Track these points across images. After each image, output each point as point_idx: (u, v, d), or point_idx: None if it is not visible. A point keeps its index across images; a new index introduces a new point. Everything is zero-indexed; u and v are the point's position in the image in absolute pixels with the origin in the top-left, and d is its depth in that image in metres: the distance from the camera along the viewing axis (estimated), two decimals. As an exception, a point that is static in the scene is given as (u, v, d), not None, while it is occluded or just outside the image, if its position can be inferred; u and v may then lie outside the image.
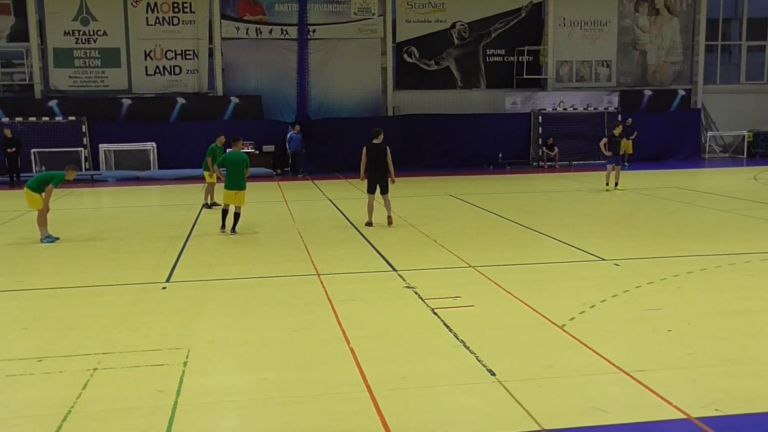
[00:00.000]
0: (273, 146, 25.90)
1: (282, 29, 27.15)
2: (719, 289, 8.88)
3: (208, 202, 16.67)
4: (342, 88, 27.77)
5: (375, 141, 13.27)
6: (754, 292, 8.69)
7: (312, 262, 10.60)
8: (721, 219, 14.06)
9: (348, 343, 6.90)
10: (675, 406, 5.36)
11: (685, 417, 5.20)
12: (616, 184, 18.90)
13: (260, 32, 27.08)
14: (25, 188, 12.74)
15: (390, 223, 13.55)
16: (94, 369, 6.27)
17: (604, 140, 18.72)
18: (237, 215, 13.18)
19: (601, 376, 6.06)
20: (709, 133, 29.64)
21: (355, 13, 27.53)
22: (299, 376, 6.13)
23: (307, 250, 11.55)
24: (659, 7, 29.47)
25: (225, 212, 13.35)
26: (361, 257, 10.99)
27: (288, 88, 27.45)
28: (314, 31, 27.29)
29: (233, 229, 13.12)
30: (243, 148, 13.27)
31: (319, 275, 9.73)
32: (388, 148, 13.36)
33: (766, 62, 30.50)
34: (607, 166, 18.99)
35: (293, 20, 27.13)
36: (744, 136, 29.18)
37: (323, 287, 9.06)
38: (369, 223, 13.59)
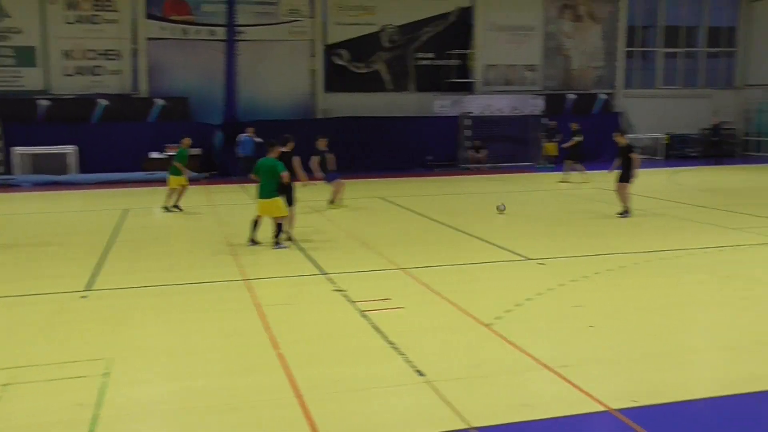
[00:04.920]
0: (200, 149, 25.37)
1: (210, 30, 26.70)
2: (638, 285, 9.21)
3: (169, 205, 16.26)
4: (271, 90, 27.50)
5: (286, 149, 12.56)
6: (669, 288, 9.06)
7: (240, 267, 10.45)
8: (639, 218, 14.56)
9: (277, 348, 6.84)
10: (596, 399, 5.53)
11: (605, 409, 5.38)
12: (332, 201, 16.65)
13: (187, 32, 26.58)
14: None
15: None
16: (7, 384, 6.00)
17: (316, 159, 15.93)
18: (278, 226, 11.86)
19: (527, 373, 6.19)
20: (629, 136, 30.66)
21: (284, 15, 27.33)
22: (228, 383, 6.03)
23: (235, 254, 11.38)
24: (582, 14, 30.37)
25: (255, 223, 12.00)
26: (290, 261, 10.90)
27: (216, 90, 26.95)
28: (243, 32, 26.95)
29: (276, 243, 11.83)
30: (277, 155, 11.95)
31: (247, 280, 9.61)
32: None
33: (680, 68, 31.79)
34: (332, 182, 16.58)
35: (221, 21, 26.69)
36: (661, 138, 30.32)
37: (252, 292, 8.95)
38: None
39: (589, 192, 19.14)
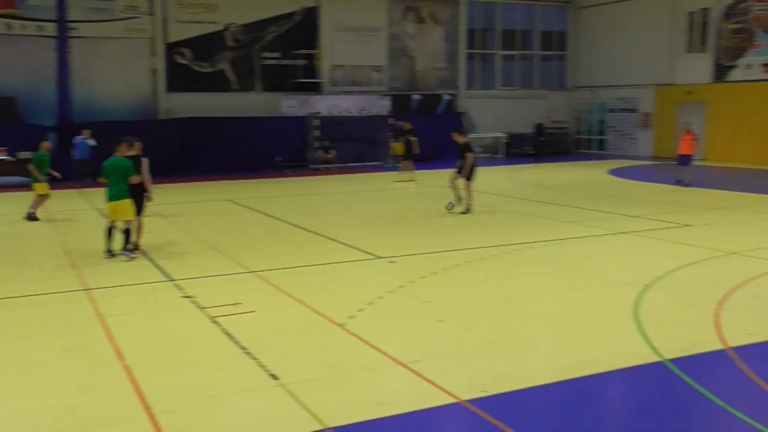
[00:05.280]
0: (30, 152, 23.60)
1: (38, 25, 24.88)
2: (483, 279, 9.64)
3: (32, 211, 14.96)
4: (110, 89, 26.07)
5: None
6: (511, 281, 9.56)
7: (80, 277, 9.84)
8: (484, 215, 15.22)
9: (123, 359, 6.51)
10: (448, 392, 5.72)
11: (456, 401, 5.58)
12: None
13: (11, 27, 24.61)
14: None
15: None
16: None
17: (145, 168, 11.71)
18: (126, 232, 11.06)
19: (381, 370, 6.30)
20: (471, 135, 32.06)
21: (121, 11, 26.03)
22: (70, 401, 5.66)
23: (75, 264, 10.69)
24: (425, 16, 31.33)
25: (110, 231, 11.05)
26: (135, 268, 10.40)
27: (48, 90, 25.21)
28: (76, 28, 25.36)
29: (125, 249, 10.96)
30: (127, 153, 11.07)
31: (88, 290, 9.06)
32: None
33: (517, 70, 33.65)
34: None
35: (51, 16, 24.97)
36: (502, 137, 31.91)
37: (94, 303, 8.45)
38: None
39: (436, 191, 19.78)
